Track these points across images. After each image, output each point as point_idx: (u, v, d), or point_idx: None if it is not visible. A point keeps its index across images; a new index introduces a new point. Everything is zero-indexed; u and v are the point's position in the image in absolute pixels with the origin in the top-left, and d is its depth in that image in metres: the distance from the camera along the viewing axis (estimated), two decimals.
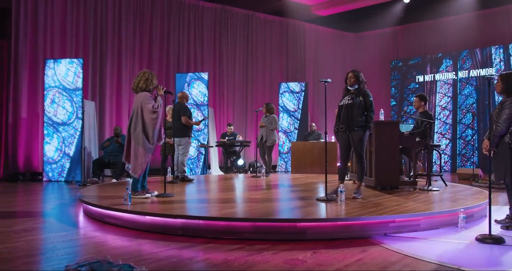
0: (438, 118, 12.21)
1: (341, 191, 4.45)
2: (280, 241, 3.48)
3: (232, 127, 10.68)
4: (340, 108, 4.86)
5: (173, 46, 11.33)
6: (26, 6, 9.25)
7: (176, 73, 10.52)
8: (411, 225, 3.79)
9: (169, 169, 7.58)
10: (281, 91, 11.80)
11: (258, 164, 8.74)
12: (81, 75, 8.80)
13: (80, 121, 8.63)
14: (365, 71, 14.60)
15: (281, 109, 11.70)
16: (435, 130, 12.17)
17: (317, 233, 3.57)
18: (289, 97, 11.76)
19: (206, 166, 10.14)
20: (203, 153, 9.96)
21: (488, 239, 3.46)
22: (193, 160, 9.96)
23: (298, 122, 11.71)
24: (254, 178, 7.86)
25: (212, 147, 10.34)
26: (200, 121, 7.42)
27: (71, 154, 8.69)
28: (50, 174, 8.69)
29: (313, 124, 11.34)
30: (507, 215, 4.17)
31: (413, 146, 5.92)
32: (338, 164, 7.13)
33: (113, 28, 10.40)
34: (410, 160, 6.25)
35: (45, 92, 8.82)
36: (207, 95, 10.09)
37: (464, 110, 11.73)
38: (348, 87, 4.86)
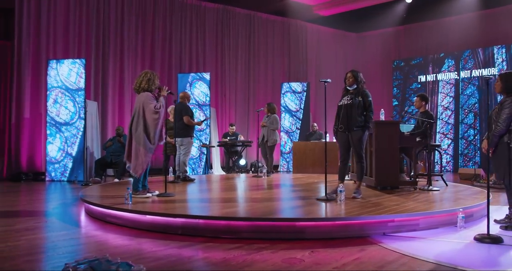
0: (440, 118, 12.21)
1: (340, 191, 4.46)
2: (279, 240, 3.50)
3: (234, 127, 10.71)
4: (339, 108, 4.88)
5: (175, 46, 11.37)
6: (29, 6, 9.31)
7: (178, 74, 10.56)
8: (410, 224, 3.80)
9: (170, 169, 7.64)
10: (283, 91, 11.82)
11: (260, 164, 8.77)
12: (83, 76, 8.85)
13: (83, 122, 8.68)
14: (367, 71, 14.69)
15: (283, 109, 11.72)
16: (437, 130, 12.16)
17: (316, 233, 3.59)
18: (291, 97, 11.78)
19: (208, 166, 10.17)
20: (205, 152, 10.00)
21: (486, 239, 3.47)
22: (195, 160, 10.00)
23: (300, 122, 11.72)
24: (256, 177, 7.88)
25: (213, 146, 10.37)
26: (202, 121, 7.45)
27: (74, 153, 8.74)
28: (52, 174, 8.74)
29: (315, 124, 11.35)
30: (507, 214, 4.17)
31: (414, 146, 5.93)
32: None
33: (115, 28, 10.45)
34: (411, 160, 6.25)
35: (48, 92, 8.87)
36: (209, 95, 10.12)
37: (466, 110, 11.72)
38: (347, 87, 4.87)
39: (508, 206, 4.19)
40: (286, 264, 2.85)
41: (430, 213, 3.92)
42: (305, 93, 11.77)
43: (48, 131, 8.81)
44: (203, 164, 10.03)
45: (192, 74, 10.30)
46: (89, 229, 4.12)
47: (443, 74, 12.30)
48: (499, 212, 4.56)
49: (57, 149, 8.77)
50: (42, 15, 9.44)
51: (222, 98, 12.24)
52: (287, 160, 11.52)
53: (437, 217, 3.96)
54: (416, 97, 6.22)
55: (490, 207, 5.05)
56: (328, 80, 4.76)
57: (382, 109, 6.05)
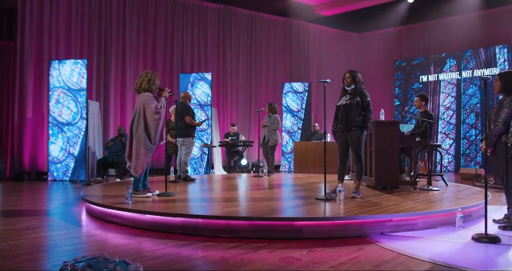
0: (442, 118, 12.20)
1: (339, 191, 4.48)
2: (278, 240, 3.52)
3: (235, 127, 10.73)
4: (338, 108, 4.90)
5: (177, 46, 11.41)
6: (32, 6, 9.36)
7: (180, 74, 10.60)
8: (408, 224, 3.82)
9: (171, 169, 7.67)
10: (284, 92, 11.84)
11: (261, 164, 8.79)
12: (85, 76, 8.90)
13: (85, 122, 8.73)
14: (369, 71, 14.69)
15: (285, 109, 11.74)
16: (439, 130, 12.15)
17: (314, 232, 3.61)
18: (293, 97, 11.80)
19: (210, 166, 10.20)
20: (207, 152, 10.03)
21: (484, 239, 3.48)
22: (196, 160, 10.03)
23: (302, 122, 11.74)
24: (256, 177, 7.91)
25: (215, 146, 10.40)
26: (203, 121, 7.48)
27: (76, 153, 8.80)
28: (55, 174, 8.80)
29: (316, 124, 11.37)
30: (505, 214, 4.18)
31: (413, 146, 5.94)
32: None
33: (117, 28, 10.50)
34: (411, 160, 6.26)
35: (50, 92, 8.93)
36: (210, 95, 10.15)
37: (468, 110, 11.71)
38: (345, 87, 4.89)
39: (507, 206, 4.20)
40: (283, 263, 2.87)
41: (428, 213, 3.93)
42: (306, 93, 11.79)
43: (50, 131, 8.87)
44: (204, 163, 10.06)
45: (193, 74, 10.33)
46: (89, 228, 4.15)
47: (444, 74, 12.29)
48: (498, 212, 4.57)
49: (59, 149, 8.83)
50: (44, 16, 9.50)
51: (223, 99, 12.28)
52: (289, 160, 11.54)
53: (435, 216, 3.98)
54: (416, 97, 6.23)
55: (490, 207, 5.08)
56: (328, 80, 4.78)
57: (382, 109, 6.06)
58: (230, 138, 10.41)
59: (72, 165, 8.79)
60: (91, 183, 7.82)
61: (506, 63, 11.12)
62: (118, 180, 8.12)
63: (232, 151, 10.23)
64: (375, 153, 5.59)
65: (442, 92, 12.30)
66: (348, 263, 2.88)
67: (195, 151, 9.86)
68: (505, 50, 11.13)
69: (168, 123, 7.79)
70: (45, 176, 8.98)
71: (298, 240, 3.54)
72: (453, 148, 11.91)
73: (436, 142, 12.00)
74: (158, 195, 5.03)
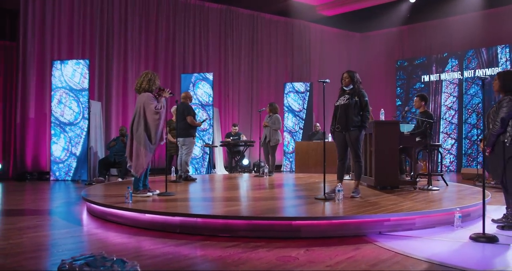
0: (444, 118, 12.18)
1: (338, 190, 4.49)
2: (276, 239, 3.54)
3: (237, 127, 10.76)
4: (336, 108, 4.92)
5: (179, 46, 11.45)
6: (34, 7, 9.42)
7: (181, 74, 10.64)
8: (406, 223, 3.83)
9: (173, 169, 7.71)
10: (286, 92, 11.86)
11: (262, 164, 8.81)
12: (87, 76, 8.95)
13: (87, 122, 8.78)
14: (371, 71, 14.68)
15: (286, 109, 11.76)
16: (441, 130, 12.14)
17: (312, 231, 3.63)
18: (294, 97, 11.81)
19: (211, 166, 10.23)
20: (208, 152, 10.06)
21: (481, 238, 3.49)
22: (198, 160, 10.07)
23: (303, 122, 11.75)
24: (257, 177, 7.93)
25: (216, 146, 10.43)
26: (203, 121, 7.51)
27: (78, 153, 8.85)
28: (57, 173, 8.85)
29: (317, 124, 11.39)
30: (504, 214, 4.18)
31: (413, 146, 5.95)
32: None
33: (119, 28, 10.55)
34: (411, 160, 6.27)
35: (52, 92, 8.98)
36: (212, 95, 10.18)
37: (469, 110, 11.69)
38: (344, 87, 4.91)
39: (505, 206, 4.20)
40: (280, 262, 2.89)
41: (426, 213, 3.94)
42: (308, 93, 11.80)
43: (52, 131, 8.92)
44: (206, 163, 10.09)
45: (195, 74, 10.37)
46: (90, 227, 4.18)
47: (446, 74, 12.28)
48: (498, 211, 4.58)
49: (62, 149, 8.88)
50: (46, 16, 9.55)
51: (225, 99, 12.31)
52: (290, 159, 11.55)
53: (434, 216, 3.99)
54: (415, 97, 6.24)
55: (490, 206, 5.12)
56: (327, 80, 4.80)
57: (382, 109, 6.07)
58: (231, 137, 10.44)
59: (74, 164, 8.84)
60: (92, 183, 7.86)
61: (508, 63, 11.09)
62: (119, 179, 8.16)
63: (233, 150, 10.25)
64: (375, 152, 5.60)
65: (444, 92, 12.29)
66: (344, 262, 2.89)
67: (197, 151, 9.90)
68: (507, 50, 11.11)
69: (170, 124, 7.84)
70: (47, 175, 9.04)
71: (296, 239, 3.56)
72: (455, 147, 11.89)
73: (438, 141, 11.99)
74: (158, 195, 5.06)
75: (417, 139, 5.98)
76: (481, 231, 3.56)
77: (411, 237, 3.63)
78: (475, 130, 11.44)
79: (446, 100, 12.23)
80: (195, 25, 11.76)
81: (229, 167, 10.57)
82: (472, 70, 11.74)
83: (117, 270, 2.08)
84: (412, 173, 6.15)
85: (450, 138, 12.01)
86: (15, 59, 9.52)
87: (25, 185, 8.17)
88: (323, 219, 3.69)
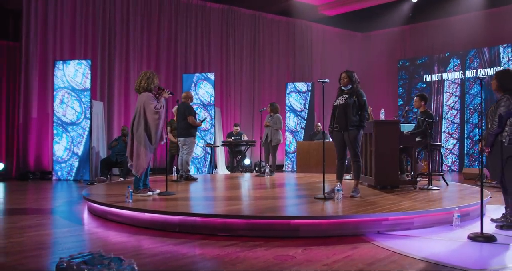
0: (446, 118, 12.16)
1: (338, 190, 4.50)
2: (274, 238, 3.56)
3: (238, 127, 10.78)
4: (335, 108, 4.93)
5: (180, 46, 11.48)
6: (37, 7, 9.47)
7: (183, 74, 10.66)
8: (404, 223, 3.84)
9: (174, 168, 7.74)
10: (288, 91, 11.87)
11: (263, 164, 8.82)
12: (89, 76, 8.99)
13: (89, 121, 8.82)
14: (372, 71, 14.67)
15: (288, 109, 11.78)
16: (443, 130, 12.12)
17: (310, 231, 3.64)
18: (296, 97, 11.82)
19: (213, 165, 10.26)
20: (210, 152, 10.09)
21: (479, 238, 3.49)
22: (199, 159, 10.10)
23: (305, 122, 11.76)
24: (258, 177, 7.95)
25: (218, 146, 10.46)
26: (202, 121, 7.54)
27: (80, 153, 8.89)
28: (59, 173, 8.90)
29: (319, 124, 11.39)
30: (503, 214, 4.18)
31: (413, 146, 5.95)
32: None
33: (121, 28, 10.59)
34: (411, 160, 6.27)
35: (55, 93, 9.03)
36: (213, 95, 10.21)
37: (472, 110, 11.67)
38: (342, 87, 4.92)
39: (504, 206, 4.20)
40: (277, 261, 2.91)
41: (424, 212, 3.95)
42: (309, 93, 11.81)
43: (54, 131, 8.97)
44: (207, 163, 10.12)
45: (197, 74, 10.39)
46: (90, 226, 4.21)
47: (448, 73, 12.26)
48: (498, 211, 4.58)
49: (64, 149, 8.93)
50: (49, 16, 9.61)
51: (227, 98, 12.33)
52: (292, 159, 11.57)
53: (432, 216, 3.99)
54: (415, 97, 6.25)
55: (490, 206, 5.12)
56: (326, 80, 4.81)
57: (382, 109, 6.07)
58: (232, 137, 10.47)
59: (76, 164, 8.89)
60: (94, 182, 7.90)
61: (510, 62, 11.07)
62: (121, 179, 8.19)
63: (234, 150, 10.28)
64: (375, 152, 5.60)
65: (446, 92, 12.27)
66: (342, 261, 2.91)
67: (199, 151, 9.93)
68: (509, 49, 11.08)
69: (171, 123, 7.87)
70: (49, 175, 9.09)
71: (295, 238, 3.57)
72: (457, 147, 11.87)
73: (440, 141, 11.98)
74: (158, 194, 5.09)
75: (417, 139, 5.98)
76: (480, 231, 3.57)
77: (409, 236, 3.64)
78: (477, 130, 11.42)
79: (448, 100, 12.22)
80: (197, 25, 11.80)
81: (230, 166, 10.60)
82: (474, 70, 11.72)
83: (114, 268, 2.10)
84: (412, 173, 6.14)
85: (452, 138, 11.99)
86: (18, 59, 9.57)
87: (27, 185, 8.22)
88: (322, 218, 3.70)
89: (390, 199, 4.69)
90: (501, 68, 11.08)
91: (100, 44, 10.29)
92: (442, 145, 11.92)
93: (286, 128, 11.67)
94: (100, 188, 6.07)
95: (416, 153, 6.72)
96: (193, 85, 10.17)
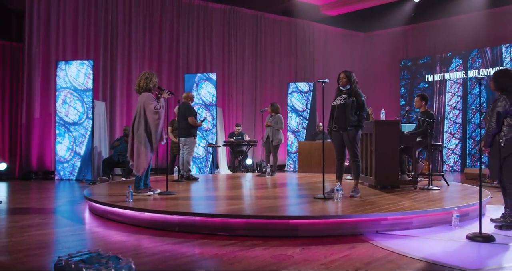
0: (448, 118, 12.14)
1: (337, 190, 4.52)
2: (273, 238, 3.57)
3: (240, 127, 10.79)
4: (333, 108, 4.94)
5: (182, 47, 11.51)
6: (39, 8, 9.52)
7: (185, 74, 10.70)
8: (403, 223, 3.84)
9: (176, 168, 7.76)
10: (289, 91, 11.89)
11: (264, 163, 8.84)
12: (91, 76, 9.04)
13: (91, 122, 8.87)
14: (375, 71, 14.65)
15: (290, 109, 11.79)
16: (445, 130, 12.11)
17: (309, 230, 3.66)
18: (298, 97, 11.84)
19: (214, 165, 10.28)
20: (211, 152, 10.11)
21: (478, 237, 3.50)
22: (201, 159, 10.12)
23: (307, 122, 11.77)
24: (260, 177, 7.97)
25: (219, 146, 10.49)
26: (202, 121, 7.56)
27: (82, 153, 8.94)
28: (61, 173, 8.95)
29: (320, 124, 11.38)
30: (502, 214, 4.19)
31: (414, 146, 5.95)
32: (346, 164, 7.21)
33: (123, 29, 10.63)
34: (411, 160, 6.27)
35: (57, 93, 9.08)
36: (215, 95, 10.23)
37: (474, 110, 11.64)
38: (340, 87, 4.93)
39: (504, 205, 4.20)
40: (275, 260, 2.92)
41: (423, 212, 3.95)
42: (311, 93, 11.82)
43: (57, 131, 9.02)
44: (209, 163, 10.14)
45: (198, 74, 10.42)
46: (91, 226, 4.24)
47: (450, 73, 12.24)
48: (498, 211, 4.57)
49: (66, 149, 8.98)
50: (51, 17, 9.66)
51: (229, 99, 12.36)
52: (294, 159, 11.58)
53: (431, 215, 4.00)
54: (416, 97, 6.25)
55: (490, 206, 5.13)
56: (326, 80, 4.82)
57: (382, 109, 6.08)
58: (234, 137, 10.49)
59: (78, 164, 8.93)
60: (96, 182, 7.94)
61: None
62: (123, 179, 8.24)
63: (236, 150, 10.30)
64: (375, 152, 5.60)
65: (448, 91, 12.25)
66: (339, 261, 2.92)
67: (200, 151, 9.96)
68: None
69: (173, 123, 7.89)
70: (52, 175, 9.14)
71: (293, 238, 3.59)
72: (459, 147, 11.85)
73: (442, 141, 11.96)
74: (159, 194, 5.12)
75: (417, 139, 5.98)
76: (478, 231, 3.57)
77: (407, 236, 3.65)
78: (479, 130, 11.39)
79: (450, 100, 12.19)
80: (198, 26, 11.82)
81: (232, 166, 10.62)
82: (476, 70, 11.70)
83: (111, 266, 2.13)
84: (413, 173, 6.15)
85: (454, 138, 11.97)
86: (21, 60, 9.63)
87: (30, 184, 8.27)
88: (320, 218, 3.71)
89: (390, 199, 4.69)
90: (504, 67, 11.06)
91: (102, 45, 10.33)
92: (444, 145, 11.91)
93: (288, 128, 11.68)
94: (101, 188, 6.10)
95: (418, 153, 6.74)
96: (195, 85, 10.20)
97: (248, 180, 7.48)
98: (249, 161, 11.43)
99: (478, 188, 5.99)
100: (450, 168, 11.90)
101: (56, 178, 8.95)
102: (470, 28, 12.06)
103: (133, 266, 2.22)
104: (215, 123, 10.14)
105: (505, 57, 11.16)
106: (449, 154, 11.96)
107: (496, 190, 6.71)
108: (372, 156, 5.71)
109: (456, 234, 3.71)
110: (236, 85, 12.48)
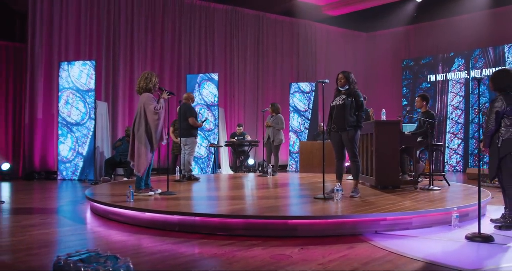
0: (450, 118, 12.12)
1: (337, 190, 4.52)
2: (272, 238, 3.59)
3: (241, 128, 10.81)
4: (332, 108, 4.95)
5: (184, 47, 11.54)
6: (42, 8, 9.57)
7: (187, 74, 10.73)
8: (402, 223, 3.85)
9: (177, 168, 7.79)
10: (291, 92, 11.90)
11: (266, 163, 8.86)
12: (93, 77, 9.08)
13: (93, 122, 8.91)
14: (377, 71, 14.62)
15: (292, 109, 11.80)
16: (447, 130, 12.08)
17: (308, 230, 3.67)
18: (300, 97, 11.85)
19: (216, 165, 10.30)
20: (213, 152, 10.14)
21: (477, 238, 3.50)
22: (203, 160, 10.15)
23: (309, 122, 11.78)
24: (261, 177, 7.99)
25: (221, 146, 10.51)
26: (203, 121, 7.58)
27: (84, 153, 8.98)
28: (64, 173, 8.99)
29: (322, 124, 11.38)
30: (502, 214, 4.19)
31: (414, 146, 5.95)
32: (347, 164, 7.21)
33: (125, 29, 10.67)
34: (412, 160, 6.28)
35: (60, 93, 9.13)
36: (217, 95, 10.25)
37: (476, 110, 11.61)
38: (339, 88, 4.94)
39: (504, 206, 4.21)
40: (273, 260, 2.94)
41: (423, 212, 3.96)
42: (313, 93, 11.83)
43: (59, 132, 9.07)
44: (211, 163, 10.16)
45: (200, 75, 10.45)
46: (92, 226, 4.27)
47: (453, 73, 12.21)
48: (498, 211, 4.57)
49: (69, 149, 9.02)
50: (54, 17, 9.71)
51: (231, 99, 12.38)
52: (296, 159, 11.59)
53: (431, 216, 4.00)
54: (417, 97, 6.26)
55: (490, 206, 5.12)
56: (326, 80, 4.84)
57: (383, 109, 6.08)
58: (236, 138, 10.51)
59: (80, 164, 8.98)
60: (99, 182, 7.98)
61: None
62: (125, 179, 8.27)
63: (238, 150, 10.32)
64: (376, 152, 5.61)
65: (450, 91, 12.22)
66: (337, 261, 2.93)
67: (202, 151, 9.99)
68: None
69: (175, 123, 7.91)
70: (54, 175, 9.20)
71: (293, 238, 3.60)
72: (461, 147, 11.82)
73: (444, 141, 11.94)
74: (160, 194, 5.14)
75: (418, 139, 5.98)
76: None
77: (406, 236, 3.65)
78: (481, 130, 11.36)
79: (452, 100, 12.17)
80: (200, 26, 11.85)
81: (234, 166, 10.64)
82: (479, 70, 11.66)
83: (109, 266, 2.15)
84: (413, 173, 6.15)
85: (456, 138, 11.94)
86: (24, 60, 9.68)
87: (33, 184, 8.32)
88: (319, 218, 3.73)
89: (390, 199, 4.70)
90: (506, 67, 11.04)
91: (105, 45, 10.37)
92: (447, 145, 11.89)
93: (290, 129, 11.69)
94: (103, 188, 6.14)
95: (419, 153, 6.74)
96: (197, 85, 10.23)
97: (249, 180, 7.50)
98: (251, 161, 11.45)
99: (481, 188, 6.01)
100: (453, 168, 11.88)
101: (59, 178, 8.99)
102: (473, 28, 12.03)
103: (131, 266, 2.24)
104: (217, 123, 10.16)
105: (508, 57, 11.13)
106: (451, 154, 11.93)
107: (498, 190, 6.67)
108: (373, 156, 5.72)
109: (456, 234, 3.72)
110: (238, 85, 12.49)
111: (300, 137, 11.68)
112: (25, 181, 8.84)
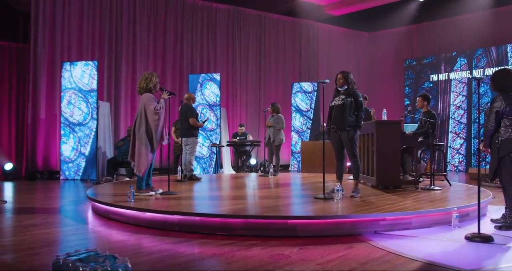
0: (453, 117, 12.09)
1: (337, 190, 4.53)
2: (272, 238, 3.60)
3: (243, 128, 10.82)
4: (331, 109, 4.96)
5: (187, 47, 11.57)
6: (45, 9, 9.62)
7: (189, 74, 10.75)
8: (402, 223, 3.85)
9: (179, 168, 7.81)
10: (293, 91, 11.90)
11: (267, 163, 8.87)
12: (96, 77, 9.11)
13: (95, 122, 8.94)
14: (379, 71, 14.60)
15: (294, 109, 11.80)
16: (449, 130, 12.05)
17: (307, 230, 3.68)
18: (302, 97, 11.85)
19: (218, 165, 10.32)
20: (215, 152, 10.16)
21: (476, 238, 3.50)
22: (205, 159, 10.17)
23: (311, 122, 11.78)
24: (263, 177, 8.00)
25: (223, 146, 10.53)
26: (204, 122, 7.60)
27: (87, 153, 9.02)
28: (66, 173, 9.03)
29: (324, 124, 11.37)
30: (503, 214, 4.18)
31: (416, 146, 5.95)
32: (348, 164, 7.20)
33: (127, 29, 10.71)
34: (413, 160, 6.27)
35: (62, 93, 9.17)
36: (219, 95, 10.27)
37: (477, 110, 11.57)
38: (338, 88, 4.94)
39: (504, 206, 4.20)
40: (272, 260, 2.95)
41: (422, 212, 3.96)
42: (315, 93, 11.83)
43: (62, 132, 9.11)
44: (213, 163, 10.18)
45: (202, 75, 10.47)
46: (93, 225, 4.30)
47: (455, 73, 12.18)
48: (499, 211, 4.56)
49: (71, 149, 9.06)
50: (56, 18, 9.76)
51: (233, 99, 12.39)
52: (298, 159, 11.59)
53: (431, 216, 4.00)
54: (418, 97, 6.25)
55: (492, 206, 5.12)
56: (326, 81, 4.84)
57: (384, 109, 6.07)
58: (238, 137, 10.52)
59: (83, 164, 9.02)
60: (101, 182, 8.01)
61: None
62: (127, 179, 8.30)
63: (240, 150, 10.34)
64: (377, 152, 5.61)
65: (453, 91, 12.19)
66: (336, 261, 2.94)
67: (204, 151, 10.01)
68: None
69: (176, 124, 7.93)
70: (57, 175, 9.24)
71: (292, 238, 3.61)
72: (464, 147, 11.79)
73: (447, 141, 11.92)
74: (161, 194, 5.16)
75: (419, 139, 5.98)
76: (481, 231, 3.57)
77: (406, 236, 3.66)
78: (483, 129, 11.33)
79: (455, 100, 12.14)
80: (202, 26, 11.87)
81: (235, 166, 10.66)
82: (481, 69, 11.63)
83: (108, 265, 2.17)
84: (414, 173, 6.14)
85: (459, 138, 11.91)
86: (27, 61, 9.73)
87: (35, 184, 8.37)
88: (319, 218, 3.73)
89: (390, 199, 4.70)
90: (509, 67, 10.99)
91: (107, 45, 10.41)
92: (449, 145, 11.86)
93: (292, 128, 11.70)
94: (105, 188, 6.16)
95: (421, 153, 6.73)
96: (199, 85, 10.25)
97: (251, 180, 7.51)
98: (253, 161, 11.46)
99: (482, 188, 6.00)
100: (455, 168, 11.85)
101: (61, 178, 9.04)
102: (475, 28, 12.00)
103: (129, 265, 2.25)
104: (219, 123, 10.18)
105: (510, 57, 11.09)
106: (454, 153, 11.91)
107: (499, 190, 6.66)
108: (374, 156, 5.72)
109: (455, 235, 3.72)
110: (240, 85, 12.51)
111: (302, 137, 11.68)
112: (28, 181, 8.89)
